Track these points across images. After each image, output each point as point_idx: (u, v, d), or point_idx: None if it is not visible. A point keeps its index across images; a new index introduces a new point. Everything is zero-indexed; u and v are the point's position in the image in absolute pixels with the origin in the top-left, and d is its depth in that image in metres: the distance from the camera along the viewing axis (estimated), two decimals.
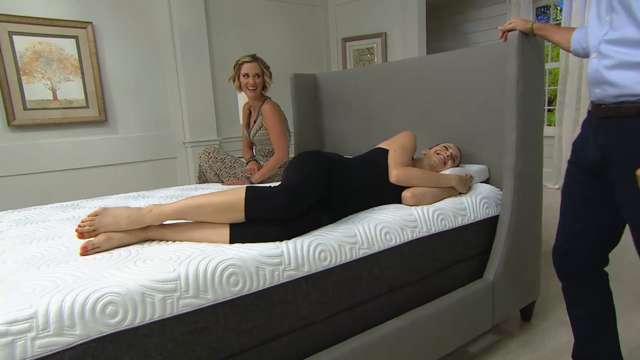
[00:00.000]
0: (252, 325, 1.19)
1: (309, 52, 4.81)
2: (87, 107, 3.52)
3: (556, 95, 4.88)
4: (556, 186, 4.94)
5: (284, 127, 2.45)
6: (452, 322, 1.63)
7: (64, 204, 2.04)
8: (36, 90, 3.28)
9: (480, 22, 5.64)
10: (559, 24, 5.14)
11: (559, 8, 5.08)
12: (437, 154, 1.99)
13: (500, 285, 1.80)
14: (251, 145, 2.70)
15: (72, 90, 3.44)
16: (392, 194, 1.76)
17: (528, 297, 1.97)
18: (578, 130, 4.63)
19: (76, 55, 3.43)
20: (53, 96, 3.36)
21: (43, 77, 3.31)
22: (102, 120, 3.58)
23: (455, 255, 1.74)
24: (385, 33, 4.57)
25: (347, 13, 4.76)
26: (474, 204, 1.81)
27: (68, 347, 0.92)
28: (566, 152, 4.79)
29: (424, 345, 1.54)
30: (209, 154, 2.38)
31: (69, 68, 3.41)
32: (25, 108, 3.24)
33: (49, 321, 0.90)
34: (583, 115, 4.62)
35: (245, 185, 1.39)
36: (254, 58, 2.41)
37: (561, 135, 4.85)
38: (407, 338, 1.48)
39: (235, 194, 1.34)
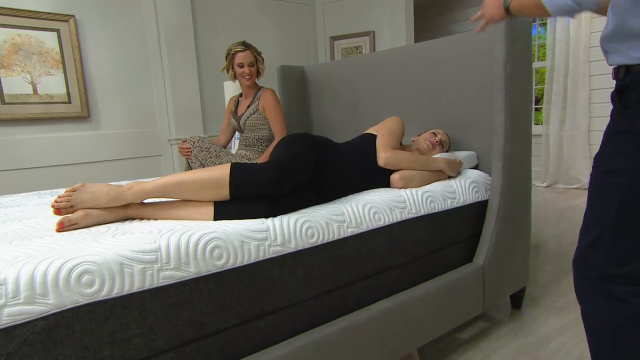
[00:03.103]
0: (237, 301, 1.14)
1: (297, 50, 4.80)
2: (69, 102, 3.44)
3: (543, 95, 4.93)
4: (544, 184, 4.97)
5: (283, 114, 2.46)
6: (442, 305, 1.60)
7: (41, 192, 1.97)
8: (15, 84, 3.20)
9: (467, 23, 5.69)
10: (545, 22, 5.21)
11: None
12: (426, 140, 1.97)
13: (490, 269, 1.78)
14: (231, 135, 2.66)
15: (53, 84, 3.36)
16: (381, 179, 1.73)
17: (518, 283, 1.95)
18: (565, 129, 4.71)
19: (57, 49, 3.36)
20: (33, 90, 3.28)
21: (22, 71, 3.23)
22: (84, 116, 3.51)
23: (444, 238, 1.71)
24: (374, 31, 4.58)
25: (334, 11, 4.76)
26: (463, 188, 1.79)
27: (40, 316, 0.86)
28: (553, 151, 4.83)
29: (414, 327, 1.50)
30: (193, 144, 2.33)
31: (49, 62, 3.34)
32: (3, 102, 3.15)
33: (19, 288, 0.85)
34: (569, 114, 4.67)
35: (231, 162, 1.35)
36: (246, 46, 2.37)
37: (548, 134, 4.89)
38: (397, 320, 1.44)
39: (220, 170, 1.30)
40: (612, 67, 0.99)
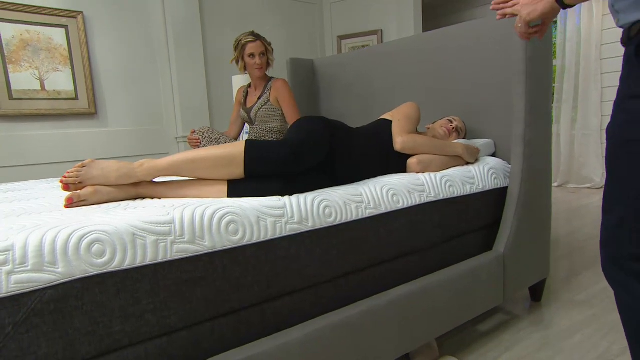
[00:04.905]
0: (253, 280, 1.09)
1: (304, 50, 4.77)
2: (76, 98, 3.42)
3: (554, 93, 4.87)
4: (555, 184, 4.90)
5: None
6: (462, 293, 1.54)
7: (49, 179, 1.93)
8: (23, 79, 3.17)
9: None
10: (555, 21, 5.16)
11: None
12: (442, 126, 1.92)
13: (510, 258, 1.71)
14: (241, 128, 2.62)
15: (61, 81, 3.34)
16: (397, 164, 1.68)
17: (538, 274, 1.88)
18: (576, 128, 4.64)
19: (65, 45, 3.34)
20: (41, 86, 3.26)
21: (30, 67, 3.21)
22: (92, 112, 3.48)
23: (464, 224, 1.65)
24: (382, 30, 4.55)
25: (342, 10, 4.73)
26: (482, 174, 1.73)
27: (49, 285, 0.81)
28: (565, 150, 4.76)
29: (434, 314, 1.44)
30: (203, 134, 2.29)
31: (57, 58, 3.32)
32: (11, 97, 3.13)
33: (27, 255, 0.80)
34: (581, 112, 4.61)
35: (245, 139, 1.31)
36: (256, 36, 2.33)
37: (559, 133, 4.82)
38: (417, 306, 1.38)
39: (234, 147, 1.25)
40: (622, 30, 0.90)
